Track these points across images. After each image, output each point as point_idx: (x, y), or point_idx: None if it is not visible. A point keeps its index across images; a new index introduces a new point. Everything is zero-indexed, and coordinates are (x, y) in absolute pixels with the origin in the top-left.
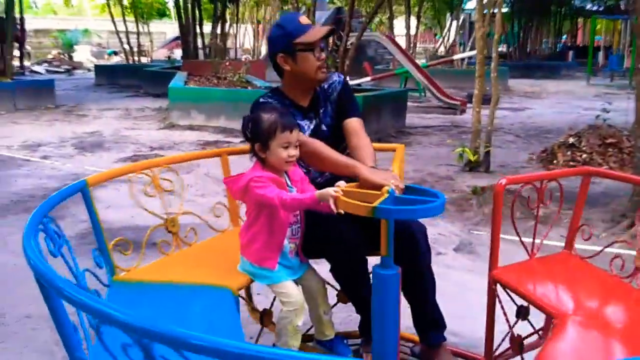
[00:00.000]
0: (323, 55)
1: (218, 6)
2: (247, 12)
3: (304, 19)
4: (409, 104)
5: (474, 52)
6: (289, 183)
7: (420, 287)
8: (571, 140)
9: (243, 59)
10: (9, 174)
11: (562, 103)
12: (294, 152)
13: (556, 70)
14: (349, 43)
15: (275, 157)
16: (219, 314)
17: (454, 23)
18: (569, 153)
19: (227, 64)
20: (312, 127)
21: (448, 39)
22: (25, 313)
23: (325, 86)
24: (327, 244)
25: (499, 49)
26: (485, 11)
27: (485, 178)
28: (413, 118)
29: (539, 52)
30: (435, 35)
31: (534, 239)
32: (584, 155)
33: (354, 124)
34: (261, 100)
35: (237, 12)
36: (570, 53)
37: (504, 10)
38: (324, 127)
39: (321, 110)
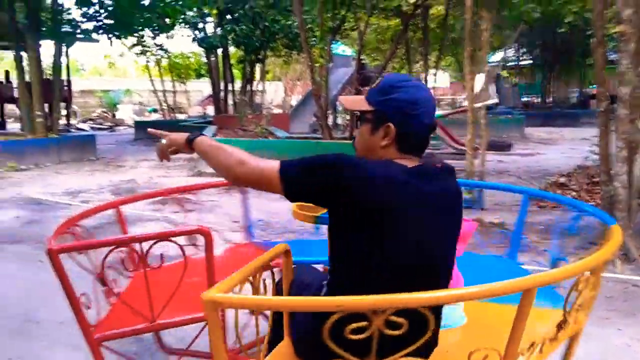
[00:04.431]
0: None
1: (246, 66)
2: (278, 69)
3: None
4: (427, 150)
5: (491, 102)
6: None
7: None
8: (562, 180)
9: (264, 113)
10: (54, 214)
11: (574, 148)
12: None
13: (577, 118)
14: None
15: None
16: None
17: (479, 75)
18: (559, 192)
19: (250, 117)
20: None
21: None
22: (59, 320)
23: None
24: None
25: (524, 99)
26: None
27: (476, 214)
28: None
29: (566, 101)
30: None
31: None
32: (573, 193)
33: None
34: None
35: (264, 70)
36: (593, 102)
37: (527, 62)
38: None
39: None
